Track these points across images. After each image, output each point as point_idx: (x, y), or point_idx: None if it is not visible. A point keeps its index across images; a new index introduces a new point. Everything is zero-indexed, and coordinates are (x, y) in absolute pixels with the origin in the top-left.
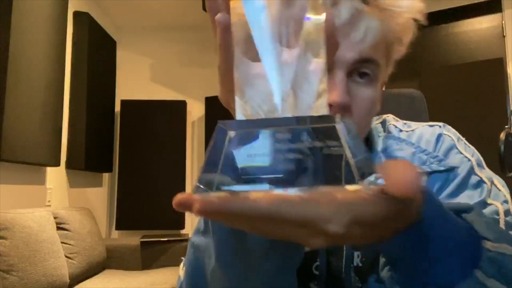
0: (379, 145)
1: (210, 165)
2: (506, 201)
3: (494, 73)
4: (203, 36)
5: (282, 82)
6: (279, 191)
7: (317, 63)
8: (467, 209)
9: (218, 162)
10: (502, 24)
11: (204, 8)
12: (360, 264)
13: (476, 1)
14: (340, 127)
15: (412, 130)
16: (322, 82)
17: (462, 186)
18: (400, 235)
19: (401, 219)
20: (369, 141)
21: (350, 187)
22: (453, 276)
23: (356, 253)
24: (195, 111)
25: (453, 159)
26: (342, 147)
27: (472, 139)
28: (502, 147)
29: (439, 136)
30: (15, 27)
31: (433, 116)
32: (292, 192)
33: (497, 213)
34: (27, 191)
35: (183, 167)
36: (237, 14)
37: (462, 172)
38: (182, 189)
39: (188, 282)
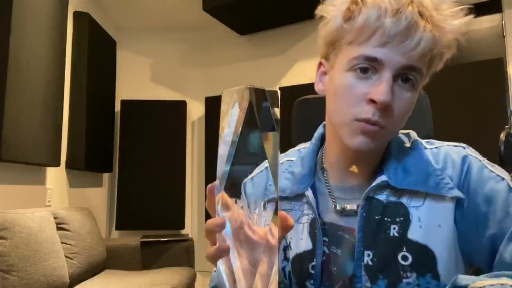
0: (401, 157)
1: None
2: None
3: (494, 73)
4: (203, 36)
5: None
6: None
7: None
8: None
9: None
10: (502, 24)
11: (204, 8)
12: (371, 263)
13: (476, 1)
14: None
15: (437, 148)
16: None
17: (506, 205)
18: None
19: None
20: (388, 147)
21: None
22: None
23: (366, 252)
24: (195, 111)
25: (484, 184)
26: None
27: (472, 139)
28: (502, 147)
29: (465, 157)
30: (15, 27)
31: (433, 116)
32: None
33: None
34: (27, 191)
35: (183, 167)
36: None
37: (501, 193)
38: (182, 189)
39: None
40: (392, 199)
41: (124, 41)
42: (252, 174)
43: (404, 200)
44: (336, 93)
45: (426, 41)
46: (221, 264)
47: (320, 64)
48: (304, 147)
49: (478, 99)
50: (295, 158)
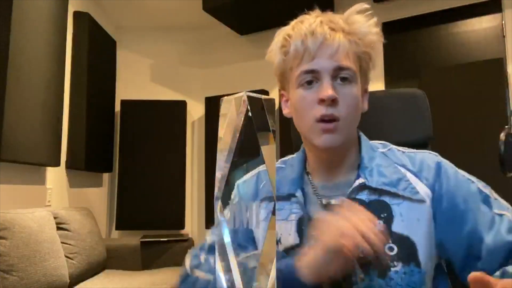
0: (374, 160)
1: None
2: (509, 209)
3: (494, 73)
4: (203, 36)
5: None
6: None
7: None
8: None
9: None
10: (502, 24)
11: (204, 8)
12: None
13: (476, 1)
14: None
15: (413, 152)
16: None
17: (479, 204)
18: None
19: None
20: (359, 153)
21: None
22: None
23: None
24: (195, 111)
25: (461, 186)
26: None
27: (472, 139)
28: (502, 147)
29: (439, 163)
30: (15, 27)
31: (433, 116)
32: None
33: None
34: (27, 191)
35: (183, 167)
36: None
37: (475, 193)
38: (182, 189)
39: None
40: (373, 197)
41: (124, 41)
42: (245, 178)
43: (386, 198)
44: (295, 107)
45: (343, 45)
46: (218, 265)
47: (282, 95)
48: (291, 157)
49: (478, 99)
50: (284, 165)
